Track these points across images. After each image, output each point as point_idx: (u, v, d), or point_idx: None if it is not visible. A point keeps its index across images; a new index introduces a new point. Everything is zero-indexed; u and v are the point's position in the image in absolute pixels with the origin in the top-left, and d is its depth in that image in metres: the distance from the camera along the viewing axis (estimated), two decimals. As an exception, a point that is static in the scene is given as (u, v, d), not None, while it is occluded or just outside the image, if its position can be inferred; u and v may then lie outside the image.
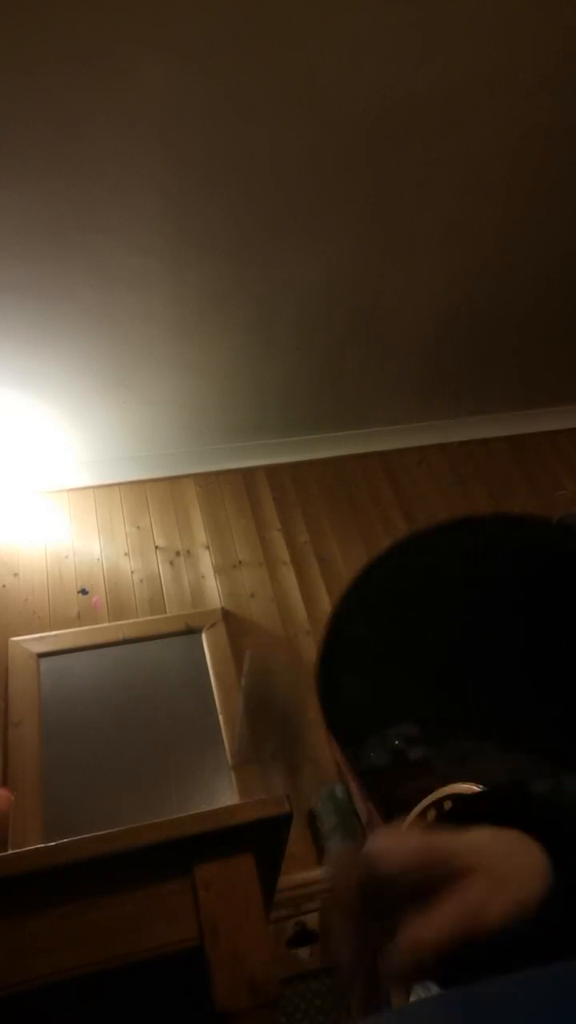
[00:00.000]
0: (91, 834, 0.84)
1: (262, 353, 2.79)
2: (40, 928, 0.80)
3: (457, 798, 0.39)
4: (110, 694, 2.49)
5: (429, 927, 0.33)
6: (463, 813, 0.39)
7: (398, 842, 0.37)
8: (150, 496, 3.07)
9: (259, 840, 0.88)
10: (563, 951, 0.33)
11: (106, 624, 2.65)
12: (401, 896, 0.35)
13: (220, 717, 2.46)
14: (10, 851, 0.93)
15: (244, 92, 1.89)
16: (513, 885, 0.34)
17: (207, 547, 2.94)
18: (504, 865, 0.35)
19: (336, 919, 0.37)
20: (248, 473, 3.19)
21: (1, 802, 1.23)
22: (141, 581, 2.81)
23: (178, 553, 2.91)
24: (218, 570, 2.88)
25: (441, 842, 0.36)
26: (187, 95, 1.86)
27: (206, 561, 2.90)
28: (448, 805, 0.43)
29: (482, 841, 0.37)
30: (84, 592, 2.74)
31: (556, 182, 2.39)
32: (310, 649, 2.67)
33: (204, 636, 2.66)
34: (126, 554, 2.88)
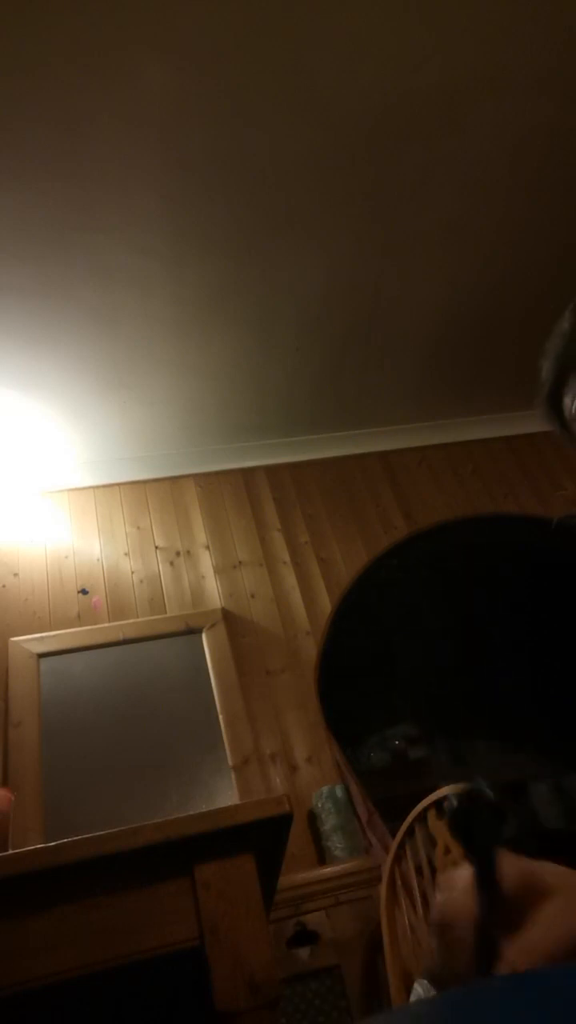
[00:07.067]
0: (91, 834, 0.84)
1: (262, 353, 2.79)
2: (40, 928, 0.80)
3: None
4: (110, 694, 2.49)
5: (529, 951, 0.34)
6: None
7: (516, 869, 0.38)
8: (150, 496, 3.07)
9: (259, 840, 0.88)
10: None
11: (106, 624, 2.65)
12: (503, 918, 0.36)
13: (220, 717, 2.46)
14: (10, 851, 0.93)
15: (244, 92, 1.89)
16: None
17: (207, 547, 2.94)
18: None
19: (456, 943, 0.37)
20: (248, 473, 3.19)
21: (1, 802, 1.23)
22: (141, 581, 2.81)
23: (178, 553, 2.91)
24: (218, 570, 2.88)
25: (532, 868, 0.38)
26: (187, 95, 1.86)
27: (206, 561, 2.90)
28: (448, 805, 0.43)
29: (557, 869, 0.38)
30: (84, 592, 2.74)
31: (556, 182, 2.39)
32: (310, 649, 2.67)
33: (204, 636, 2.65)
34: (126, 554, 2.88)
